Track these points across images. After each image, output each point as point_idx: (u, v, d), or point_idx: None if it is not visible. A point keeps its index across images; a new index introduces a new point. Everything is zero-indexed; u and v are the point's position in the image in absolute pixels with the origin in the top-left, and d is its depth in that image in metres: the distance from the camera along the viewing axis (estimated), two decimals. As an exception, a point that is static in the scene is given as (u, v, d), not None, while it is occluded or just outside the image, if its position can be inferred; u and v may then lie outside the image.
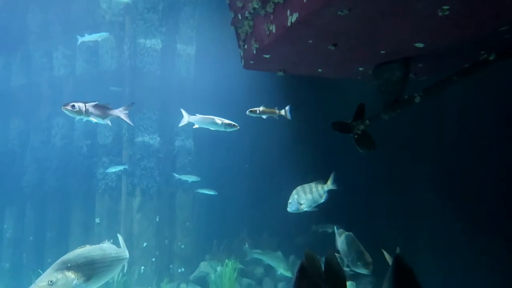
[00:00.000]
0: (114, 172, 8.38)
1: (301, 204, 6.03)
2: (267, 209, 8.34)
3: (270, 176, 8.20)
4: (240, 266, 7.37)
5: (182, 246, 8.52)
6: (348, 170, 7.17)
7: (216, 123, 5.42)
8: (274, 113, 5.45)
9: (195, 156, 9.11)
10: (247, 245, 8.68)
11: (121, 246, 4.45)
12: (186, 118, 5.59)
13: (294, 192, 6.22)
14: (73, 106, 4.16)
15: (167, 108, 8.90)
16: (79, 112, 4.22)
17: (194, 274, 8.06)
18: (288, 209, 6.10)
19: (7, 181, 8.75)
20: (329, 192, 7.14)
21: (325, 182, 6.62)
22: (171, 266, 8.44)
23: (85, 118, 4.42)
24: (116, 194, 8.41)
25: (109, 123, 4.70)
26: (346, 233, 3.99)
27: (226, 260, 6.92)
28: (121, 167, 8.08)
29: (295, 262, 8.37)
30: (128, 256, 4.38)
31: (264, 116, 5.41)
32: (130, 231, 8.35)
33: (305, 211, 5.97)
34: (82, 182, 8.35)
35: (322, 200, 6.36)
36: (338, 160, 7.38)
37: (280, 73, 3.89)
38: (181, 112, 5.65)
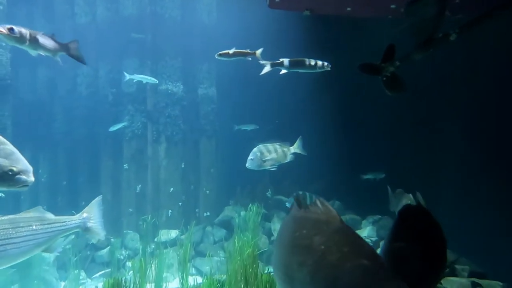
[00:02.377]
0: (139, 120, 8.54)
1: (264, 161, 6.05)
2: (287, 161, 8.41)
3: (293, 122, 8.18)
4: (264, 211, 7.59)
5: (207, 192, 8.78)
6: (374, 117, 7.08)
7: (308, 65, 4.76)
8: (247, 54, 5.17)
9: (218, 104, 9.13)
10: (270, 192, 8.88)
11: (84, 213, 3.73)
12: (268, 66, 5.04)
13: (256, 149, 6.22)
14: (12, 30, 3.36)
15: (190, 55, 8.82)
16: (21, 39, 3.49)
17: (219, 218, 8.38)
18: (247, 165, 6.14)
19: (39, 128, 9.05)
20: (353, 140, 7.07)
21: (292, 145, 6.57)
22: (197, 210, 8.78)
23: (30, 50, 3.67)
24: (143, 141, 8.62)
25: (60, 60, 4.23)
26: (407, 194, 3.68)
27: (250, 205, 7.11)
28: (121, 124, 8.21)
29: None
30: (79, 224, 3.70)
31: (234, 58, 5.13)
32: (157, 177, 8.64)
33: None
34: (109, 129, 8.56)
35: (286, 160, 6.37)
36: (365, 107, 7.27)
37: (307, 13, 3.74)
38: (260, 61, 5.37)
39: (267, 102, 8.60)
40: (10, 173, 2.65)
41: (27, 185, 2.75)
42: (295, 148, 6.42)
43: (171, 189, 8.63)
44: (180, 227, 7.91)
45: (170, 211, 8.43)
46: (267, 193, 8.83)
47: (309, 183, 8.15)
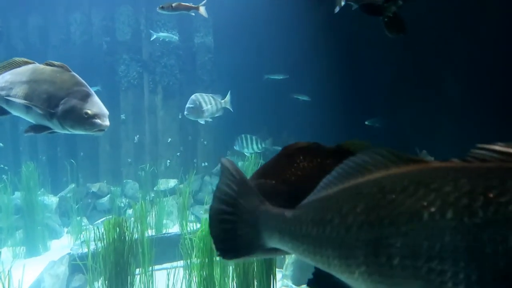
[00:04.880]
0: (135, 70, 8.41)
1: (203, 112, 5.96)
2: (286, 108, 8.39)
3: (291, 72, 8.07)
4: (261, 161, 7.70)
5: (205, 142, 8.85)
6: (374, 61, 6.97)
7: None
8: (190, 8, 4.97)
9: (215, 54, 8.95)
10: (268, 142, 8.95)
11: None
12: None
13: (194, 98, 6.06)
14: None
15: (185, 1, 8.50)
16: None
17: (217, 167, 8.51)
18: (186, 113, 6.01)
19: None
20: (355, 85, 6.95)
21: (223, 98, 6.42)
22: (195, 160, 8.89)
23: None
24: (139, 91, 8.55)
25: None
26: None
27: (248, 155, 7.20)
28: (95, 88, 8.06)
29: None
30: None
31: (177, 12, 4.93)
32: (154, 127, 8.66)
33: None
34: (105, 79, 8.45)
35: (217, 114, 6.28)
36: (365, 52, 7.13)
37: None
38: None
39: (266, 51, 8.43)
40: (86, 116, 2.54)
41: (102, 130, 2.61)
42: (226, 103, 6.33)
43: (169, 139, 8.68)
44: (179, 177, 8.05)
45: (168, 161, 8.53)
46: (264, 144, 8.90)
47: (306, 134, 8.20)
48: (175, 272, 3.81)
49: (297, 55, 8.03)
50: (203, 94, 6.16)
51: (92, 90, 2.69)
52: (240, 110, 8.65)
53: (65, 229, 7.06)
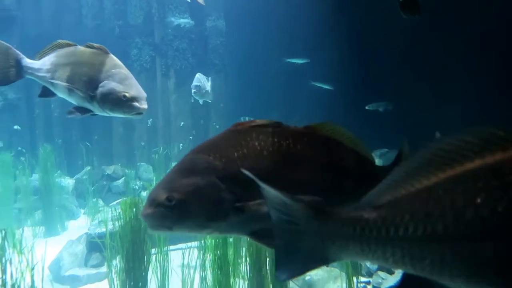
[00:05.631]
0: (147, 53, 8.44)
1: (208, 92, 5.91)
2: (298, 92, 8.36)
3: (305, 53, 8.00)
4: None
5: (217, 126, 8.90)
6: (384, 47, 6.88)
7: None
8: None
9: (227, 37, 8.92)
10: (279, 126, 8.97)
11: None
12: None
13: (199, 77, 5.99)
14: None
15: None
16: None
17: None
18: (194, 91, 5.92)
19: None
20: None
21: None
22: (207, 144, 8.97)
23: None
24: (151, 75, 8.59)
25: None
26: None
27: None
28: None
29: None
30: None
31: None
32: (167, 111, 8.73)
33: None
34: (117, 63, 8.50)
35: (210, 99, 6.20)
36: (375, 36, 7.03)
37: None
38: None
39: (277, 35, 8.36)
40: (124, 98, 2.51)
41: (141, 113, 2.57)
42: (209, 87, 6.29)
43: (182, 123, 8.76)
44: (191, 160, 8.13)
45: (181, 144, 8.63)
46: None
47: (318, 118, 8.18)
48: (189, 252, 3.91)
49: (308, 39, 7.96)
50: (202, 74, 6.16)
51: (129, 73, 2.68)
52: (251, 94, 8.66)
53: (82, 210, 7.24)
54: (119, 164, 8.19)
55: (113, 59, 2.70)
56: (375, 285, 4.10)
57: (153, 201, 1.48)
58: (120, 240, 3.48)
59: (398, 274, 4.05)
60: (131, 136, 8.68)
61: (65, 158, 8.37)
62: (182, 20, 8.02)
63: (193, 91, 6.03)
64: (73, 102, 2.70)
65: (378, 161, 7.01)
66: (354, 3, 7.27)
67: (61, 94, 2.75)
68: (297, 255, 1.10)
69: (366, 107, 6.93)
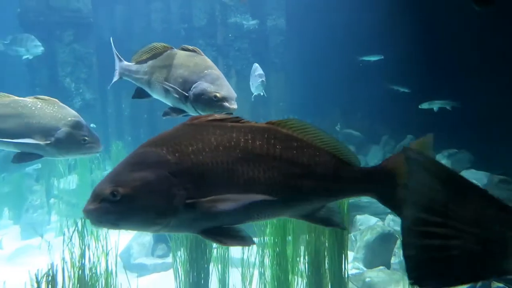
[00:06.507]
0: (210, 54, 8.72)
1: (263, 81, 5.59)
2: (360, 90, 8.16)
3: (367, 50, 7.80)
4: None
5: (277, 125, 8.96)
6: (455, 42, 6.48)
7: None
8: None
9: (287, 36, 8.94)
10: (338, 125, 8.82)
11: None
12: None
13: (259, 69, 5.62)
14: None
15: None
16: None
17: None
18: (262, 82, 5.57)
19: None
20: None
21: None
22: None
23: None
24: (214, 75, 8.86)
25: None
26: None
27: (319, 137, 7.16)
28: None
29: (387, 141, 8.38)
30: None
31: None
32: (228, 110, 8.96)
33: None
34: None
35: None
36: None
37: None
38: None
39: (339, 32, 8.23)
40: (214, 98, 2.52)
41: (230, 113, 2.55)
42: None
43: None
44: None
45: (241, 142, 8.80)
46: (336, 127, 8.78)
47: (380, 116, 7.93)
48: (249, 248, 4.00)
49: (371, 36, 7.74)
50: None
51: (220, 73, 2.69)
52: (312, 92, 8.60)
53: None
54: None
55: (206, 60, 2.73)
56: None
57: (97, 196, 1.41)
58: (184, 232, 3.65)
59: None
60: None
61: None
62: (251, 22, 8.17)
63: (260, 80, 5.75)
64: (168, 103, 2.77)
65: (446, 162, 6.63)
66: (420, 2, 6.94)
67: (157, 96, 2.84)
68: (452, 266, 0.86)
69: (420, 106, 6.59)
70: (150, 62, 2.82)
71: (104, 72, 8.73)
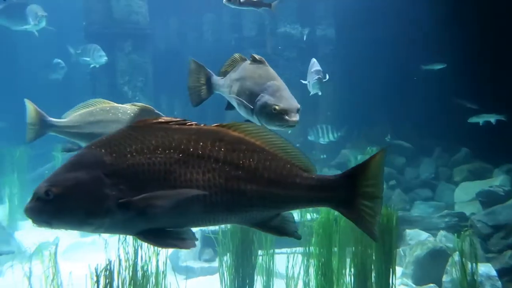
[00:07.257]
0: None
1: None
2: (411, 96, 7.92)
3: (417, 58, 7.58)
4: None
5: (324, 134, 8.89)
6: None
7: None
8: (260, 5, 4.49)
9: (337, 45, 8.90)
10: (389, 136, 8.59)
11: None
12: None
13: (316, 61, 5.34)
14: None
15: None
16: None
17: (336, 160, 8.51)
18: (319, 79, 5.33)
19: (173, 75, 10.08)
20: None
21: None
22: (313, 152, 9.02)
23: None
24: (262, 84, 8.99)
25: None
26: None
27: (368, 148, 7.03)
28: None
29: (440, 154, 8.03)
30: None
31: (244, 8, 4.48)
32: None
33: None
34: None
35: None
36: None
37: None
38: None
39: (387, 42, 8.07)
40: (274, 111, 2.46)
41: (291, 126, 2.49)
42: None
43: (289, 131, 8.96)
44: (298, 167, 8.26)
45: (288, 151, 8.82)
46: (386, 138, 8.56)
47: (431, 127, 7.63)
48: (294, 257, 4.00)
49: (423, 46, 7.52)
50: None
51: (283, 84, 2.64)
52: (360, 101, 8.47)
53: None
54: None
55: (269, 71, 2.70)
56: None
57: (34, 195, 1.45)
58: (231, 237, 3.74)
59: None
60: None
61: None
62: (300, 32, 8.24)
63: (317, 76, 5.54)
64: (245, 116, 2.72)
65: (504, 177, 6.22)
66: (473, 8, 6.64)
67: (237, 108, 2.80)
68: None
69: (469, 120, 6.28)
70: (230, 75, 2.83)
71: (158, 81, 9.16)
